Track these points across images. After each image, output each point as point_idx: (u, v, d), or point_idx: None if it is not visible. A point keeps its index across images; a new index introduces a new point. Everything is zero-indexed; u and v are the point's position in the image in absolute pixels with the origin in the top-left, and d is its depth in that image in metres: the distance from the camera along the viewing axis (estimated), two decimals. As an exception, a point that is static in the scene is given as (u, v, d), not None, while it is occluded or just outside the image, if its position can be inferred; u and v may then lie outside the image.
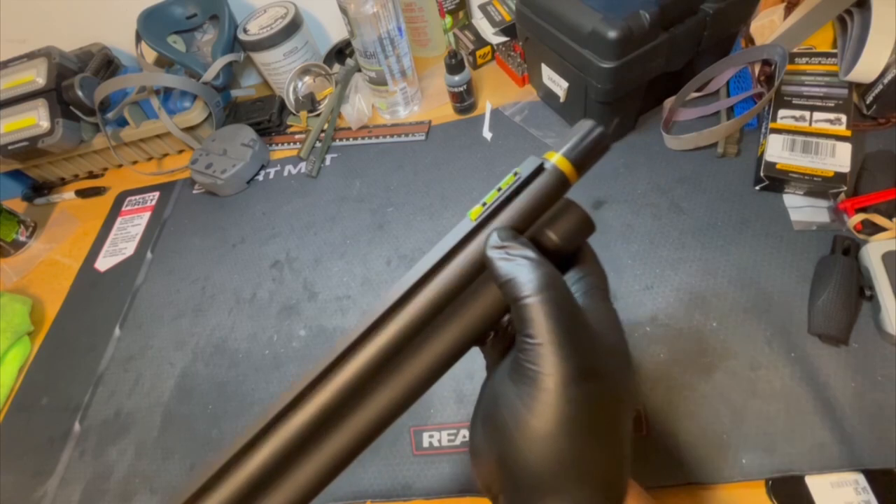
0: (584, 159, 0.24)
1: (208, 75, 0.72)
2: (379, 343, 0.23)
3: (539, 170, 0.24)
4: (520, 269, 0.20)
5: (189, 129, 0.75)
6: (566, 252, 0.24)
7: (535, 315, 0.19)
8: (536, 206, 0.23)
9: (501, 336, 0.24)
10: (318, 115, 0.74)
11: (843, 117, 0.48)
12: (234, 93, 0.83)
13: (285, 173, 0.71)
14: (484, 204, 0.24)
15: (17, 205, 0.83)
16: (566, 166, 0.23)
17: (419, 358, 0.23)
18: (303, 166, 0.71)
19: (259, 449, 0.22)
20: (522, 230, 0.23)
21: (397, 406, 0.23)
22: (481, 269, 0.22)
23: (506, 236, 0.22)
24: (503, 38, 0.71)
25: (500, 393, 0.20)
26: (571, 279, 0.24)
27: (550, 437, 0.18)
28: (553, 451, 0.18)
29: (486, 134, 0.65)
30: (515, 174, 0.24)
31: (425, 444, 0.43)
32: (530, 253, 0.21)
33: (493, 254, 0.21)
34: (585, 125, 0.24)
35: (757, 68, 0.56)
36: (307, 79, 0.77)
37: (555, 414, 0.18)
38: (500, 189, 0.24)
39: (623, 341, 0.22)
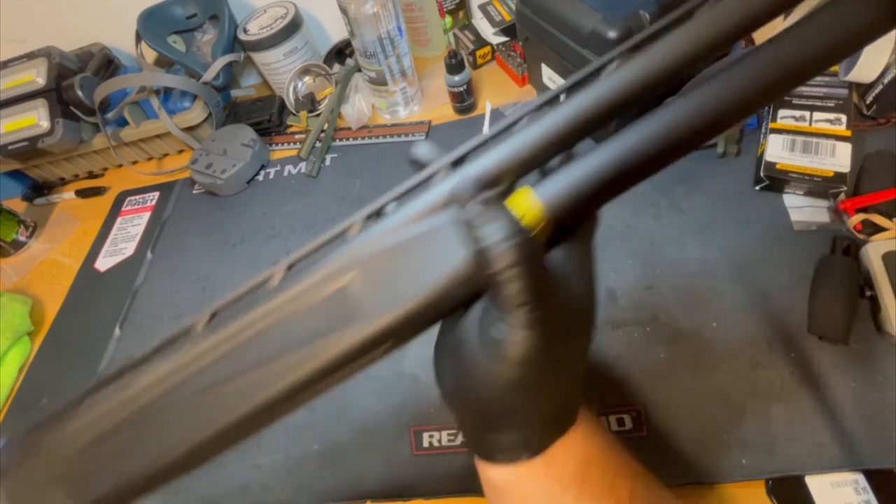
0: None
1: (208, 75, 0.72)
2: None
3: None
4: (494, 235, 0.19)
5: (189, 129, 0.75)
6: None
7: (506, 286, 0.19)
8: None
9: None
10: (318, 115, 0.74)
11: (843, 117, 0.48)
12: (234, 93, 0.83)
13: (285, 173, 0.71)
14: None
15: (17, 205, 0.83)
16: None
17: None
18: (303, 166, 0.71)
19: None
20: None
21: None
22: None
23: (487, 199, 0.20)
24: (503, 38, 0.71)
25: (468, 340, 0.21)
26: None
27: (506, 387, 0.21)
28: (507, 398, 0.21)
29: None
30: None
31: (425, 444, 0.43)
32: (508, 217, 0.19)
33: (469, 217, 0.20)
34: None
35: (757, 68, 0.56)
36: (307, 79, 0.77)
37: (513, 371, 0.20)
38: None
39: (590, 294, 0.23)
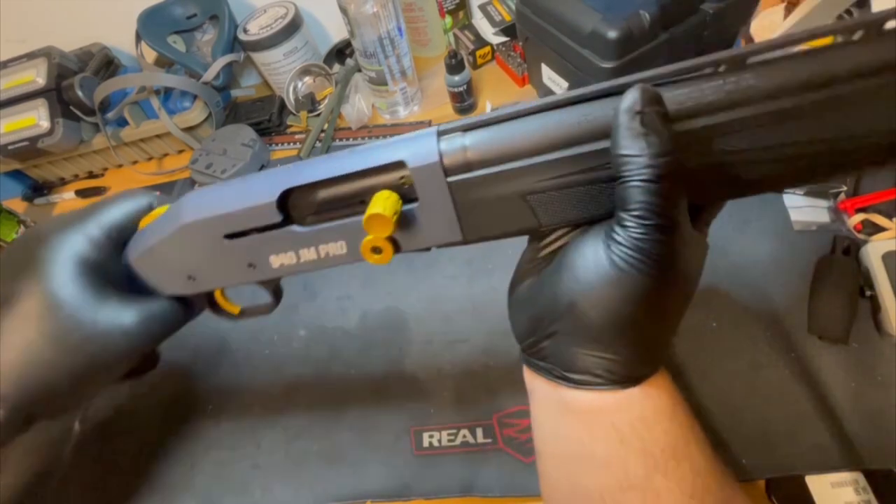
0: None
1: (208, 75, 0.72)
2: None
3: None
4: (643, 147, 0.19)
5: (189, 129, 0.75)
6: None
7: (645, 199, 0.19)
8: None
9: None
10: (318, 115, 0.74)
11: (843, 117, 0.48)
12: (234, 93, 0.83)
13: (285, 173, 0.71)
14: None
15: (17, 205, 0.83)
16: None
17: None
18: (303, 166, 0.71)
19: None
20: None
21: None
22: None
23: (647, 100, 0.20)
24: (503, 38, 0.71)
25: (592, 256, 0.21)
26: None
27: (627, 307, 0.21)
28: (622, 318, 0.21)
29: (486, 134, 0.65)
30: None
31: (425, 444, 0.43)
32: (663, 131, 0.19)
33: (623, 119, 0.20)
34: None
35: (757, 68, 0.55)
36: (307, 79, 0.77)
37: (639, 294, 0.20)
38: None
39: (703, 245, 0.24)
